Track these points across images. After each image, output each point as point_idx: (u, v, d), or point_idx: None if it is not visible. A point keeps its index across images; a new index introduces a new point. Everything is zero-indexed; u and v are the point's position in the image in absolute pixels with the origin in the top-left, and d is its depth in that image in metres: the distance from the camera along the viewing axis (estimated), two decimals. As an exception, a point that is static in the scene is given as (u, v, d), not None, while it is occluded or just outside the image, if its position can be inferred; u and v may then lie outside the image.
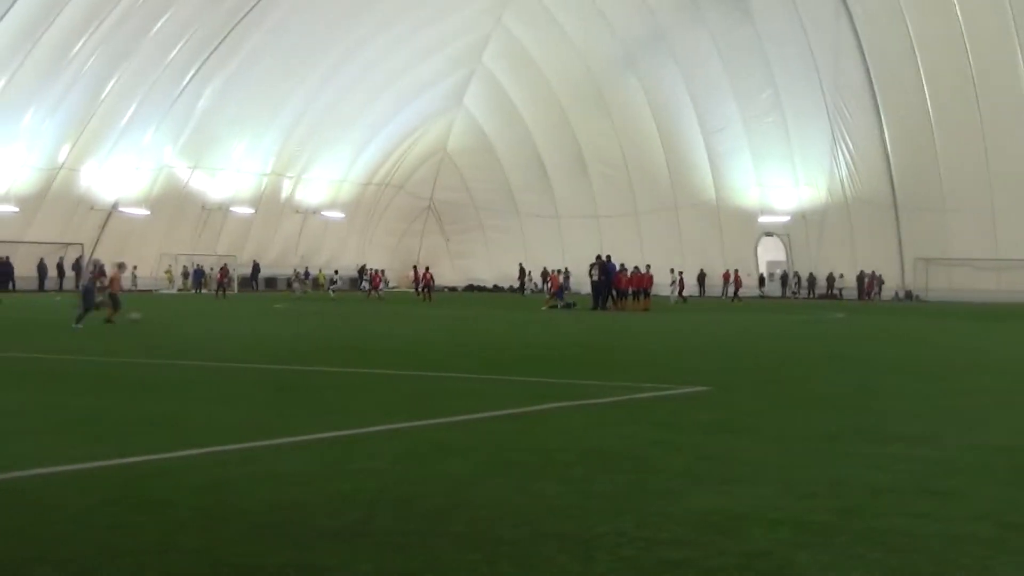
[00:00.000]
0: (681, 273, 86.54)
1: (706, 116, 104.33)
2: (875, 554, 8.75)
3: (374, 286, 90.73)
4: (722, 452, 13.72)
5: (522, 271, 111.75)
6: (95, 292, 38.74)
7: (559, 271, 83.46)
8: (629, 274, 70.26)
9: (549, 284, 79.68)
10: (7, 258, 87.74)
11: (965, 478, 12.18)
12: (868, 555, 8.72)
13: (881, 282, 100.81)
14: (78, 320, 37.69)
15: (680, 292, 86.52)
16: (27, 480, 11.43)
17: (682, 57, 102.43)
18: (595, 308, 65.97)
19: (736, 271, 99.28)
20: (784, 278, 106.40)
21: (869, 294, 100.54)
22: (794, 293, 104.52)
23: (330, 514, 9.87)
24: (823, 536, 9.30)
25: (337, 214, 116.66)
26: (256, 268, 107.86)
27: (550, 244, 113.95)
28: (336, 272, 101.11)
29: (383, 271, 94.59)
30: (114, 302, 41.50)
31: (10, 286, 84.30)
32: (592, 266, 69.31)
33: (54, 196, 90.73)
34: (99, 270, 42.51)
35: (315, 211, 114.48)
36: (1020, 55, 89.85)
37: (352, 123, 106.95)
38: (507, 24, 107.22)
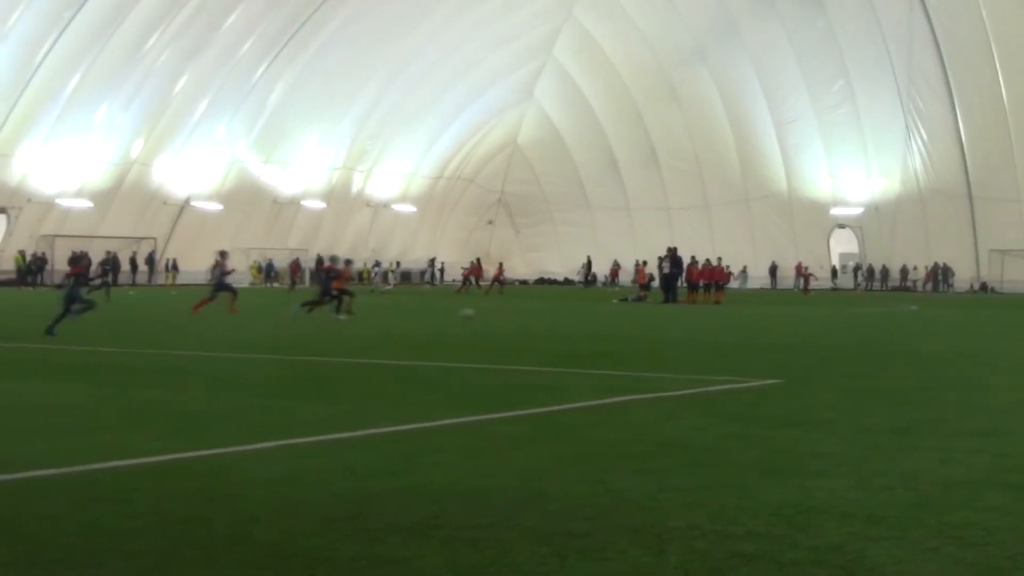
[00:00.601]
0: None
1: (777, 107, 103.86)
2: (949, 548, 8.69)
3: (474, 277, 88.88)
4: (794, 445, 13.66)
5: (589, 264, 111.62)
6: (82, 289, 36.83)
7: (645, 263, 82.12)
8: (700, 267, 70.08)
9: (635, 277, 78.46)
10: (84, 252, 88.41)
11: (1043, 472, 12.08)
12: (942, 549, 8.66)
13: (951, 274, 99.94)
14: (55, 322, 32.36)
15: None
16: (102, 472, 11.56)
17: (753, 48, 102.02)
18: (666, 301, 65.83)
19: (804, 266, 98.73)
20: (857, 270, 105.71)
21: (936, 285, 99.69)
22: (865, 285, 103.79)
23: (401, 507, 9.90)
24: (896, 530, 9.25)
25: (408, 207, 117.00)
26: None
27: (621, 237, 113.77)
28: (377, 264, 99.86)
29: (477, 260, 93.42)
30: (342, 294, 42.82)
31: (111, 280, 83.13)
32: (662, 259, 69.13)
33: (127, 191, 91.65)
34: (111, 261, 43.00)
35: (386, 204, 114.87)
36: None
37: (422, 116, 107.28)
38: (578, 16, 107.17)
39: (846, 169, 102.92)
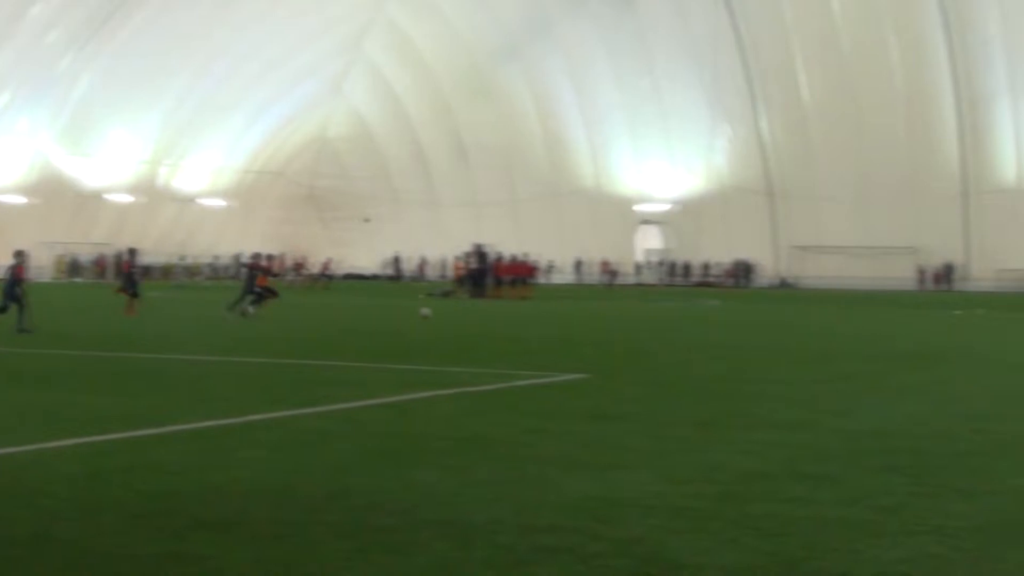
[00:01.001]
0: None
1: (587, 104, 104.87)
2: (748, 539, 8.87)
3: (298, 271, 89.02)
4: (599, 439, 13.82)
5: (397, 259, 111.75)
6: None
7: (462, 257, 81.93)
8: (507, 262, 70.47)
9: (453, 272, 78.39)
10: None
11: (836, 463, 12.38)
12: (741, 540, 8.84)
13: (753, 269, 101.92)
14: None
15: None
16: None
17: (564, 46, 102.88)
18: (473, 296, 66.03)
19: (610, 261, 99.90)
20: (661, 265, 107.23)
21: (738, 281, 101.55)
22: (668, 281, 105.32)
23: (207, 504, 9.82)
24: (697, 521, 9.42)
25: (217, 201, 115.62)
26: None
27: (429, 232, 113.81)
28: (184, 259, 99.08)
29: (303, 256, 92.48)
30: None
31: None
32: (469, 254, 69.38)
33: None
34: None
35: (193, 198, 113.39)
36: (894, 48, 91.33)
37: (231, 110, 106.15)
38: (389, 12, 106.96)
39: (653, 166, 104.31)
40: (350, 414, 15.90)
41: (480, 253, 68.30)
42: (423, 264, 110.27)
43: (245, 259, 43.32)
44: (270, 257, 43.68)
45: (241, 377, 20.90)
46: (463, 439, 13.62)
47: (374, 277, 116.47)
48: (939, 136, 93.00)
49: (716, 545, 8.69)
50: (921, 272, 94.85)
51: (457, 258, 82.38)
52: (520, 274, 70.11)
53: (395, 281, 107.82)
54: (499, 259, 70.21)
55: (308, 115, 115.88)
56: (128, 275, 41.93)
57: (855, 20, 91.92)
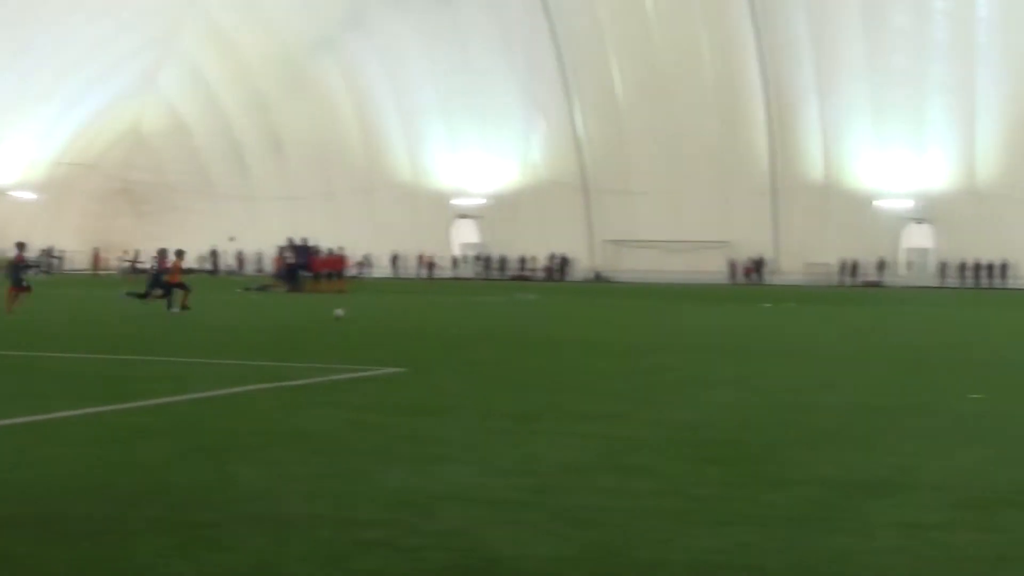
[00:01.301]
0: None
1: (403, 98, 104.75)
2: (566, 530, 8.98)
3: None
4: (418, 432, 13.86)
5: (215, 253, 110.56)
6: None
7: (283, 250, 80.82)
8: (323, 256, 70.15)
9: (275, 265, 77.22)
10: None
11: (651, 454, 12.58)
12: (559, 531, 8.95)
13: (569, 263, 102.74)
14: None
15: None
16: None
17: (381, 40, 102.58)
18: (290, 291, 65.59)
19: (428, 255, 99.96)
20: (478, 260, 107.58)
21: (554, 274, 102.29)
22: (484, 274, 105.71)
23: (18, 501, 9.64)
24: (515, 513, 9.50)
25: (27, 194, 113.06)
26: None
27: (247, 226, 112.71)
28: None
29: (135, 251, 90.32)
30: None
31: None
32: (284, 248, 68.89)
33: None
34: None
35: (4, 191, 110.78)
36: (706, 46, 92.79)
37: (42, 101, 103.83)
38: (204, 4, 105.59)
39: (470, 161, 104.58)
40: (167, 409, 15.72)
41: (296, 247, 67.85)
42: (241, 258, 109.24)
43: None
44: (179, 253, 42.59)
45: (51, 373, 20.50)
46: (282, 433, 13.56)
47: (189, 271, 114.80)
48: (749, 132, 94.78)
49: (534, 537, 8.78)
50: (732, 266, 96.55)
51: (281, 251, 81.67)
52: (336, 268, 69.82)
53: (212, 275, 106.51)
54: (315, 253, 69.83)
55: (122, 107, 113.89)
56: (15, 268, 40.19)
57: (667, 17, 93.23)
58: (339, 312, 37.52)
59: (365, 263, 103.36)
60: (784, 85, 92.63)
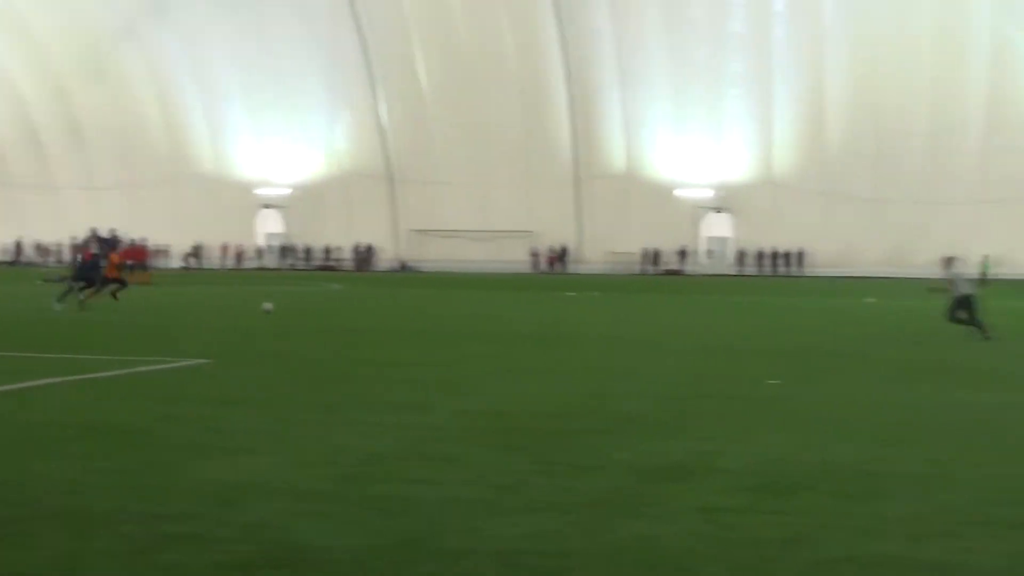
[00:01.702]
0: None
1: (206, 87, 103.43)
2: (372, 520, 9.02)
3: None
4: (224, 424, 13.76)
5: (19, 244, 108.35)
6: None
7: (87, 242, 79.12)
8: (125, 247, 69.01)
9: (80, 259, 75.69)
10: None
11: (457, 443, 12.66)
12: (365, 521, 8.98)
13: (375, 253, 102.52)
14: None
15: None
16: None
17: (184, 28, 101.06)
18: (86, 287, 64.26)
19: (233, 245, 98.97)
20: (283, 250, 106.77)
21: (360, 264, 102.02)
22: (290, 265, 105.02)
23: None
24: (322, 504, 9.51)
25: None
26: None
27: (46, 216, 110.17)
28: None
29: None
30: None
31: None
32: (86, 240, 67.63)
33: None
34: None
35: None
36: (509, 36, 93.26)
37: None
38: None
39: (273, 150, 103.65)
40: (-38, 405, 15.36)
41: (100, 239, 66.62)
42: (41, 249, 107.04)
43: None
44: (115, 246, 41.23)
45: None
46: (86, 427, 13.35)
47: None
48: (553, 123, 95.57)
49: (340, 527, 8.80)
50: (535, 255, 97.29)
51: (85, 244, 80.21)
52: (138, 259, 68.73)
53: (12, 266, 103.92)
54: (115, 245, 68.65)
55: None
56: None
57: (471, 8, 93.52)
58: (267, 306, 36.89)
59: (165, 254, 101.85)
60: (587, 76, 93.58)
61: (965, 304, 28.49)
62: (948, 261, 29.67)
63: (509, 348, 25.33)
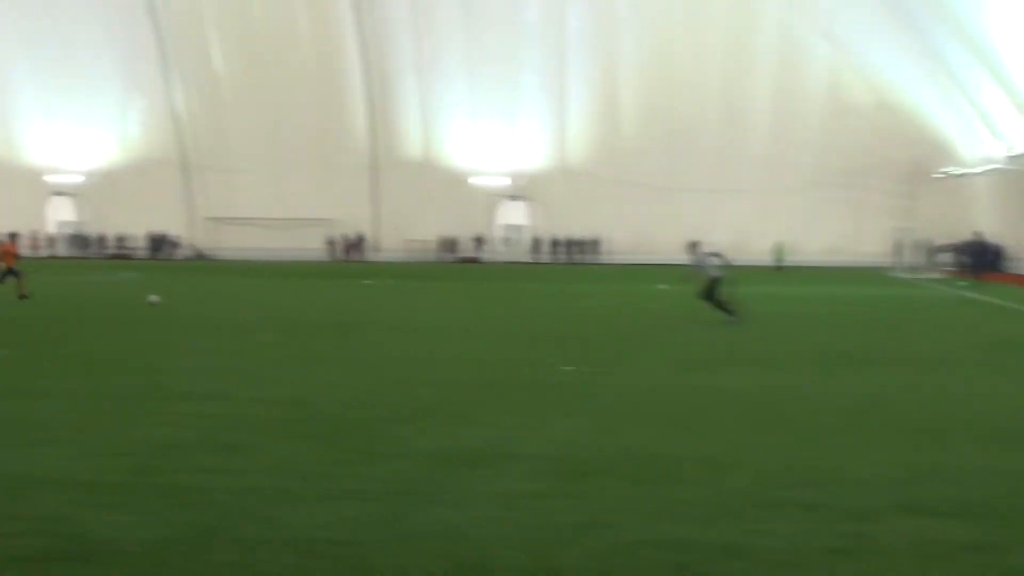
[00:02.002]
0: None
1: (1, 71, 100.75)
2: (167, 511, 8.95)
3: None
4: (16, 416, 13.50)
5: None
6: None
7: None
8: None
9: None
10: None
11: (253, 432, 12.61)
12: (160, 512, 8.91)
13: (171, 241, 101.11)
14: None
15: None
16: None
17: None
18: None
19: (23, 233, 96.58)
20: (76, 238, 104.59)
21: (155, 252, 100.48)
22: (83, 253, 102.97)
23: None
24: (115, 496, 9.41)
25: None
26: None
27: None
28: None
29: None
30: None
31: None
32: None
33: None
34: None
35: None
36: (305, 22, 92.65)
37: None
38: None
39: (64, 137, 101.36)
40: None
41: None
42: None
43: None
44: (12, 236, 39.41)
45: None
46: None
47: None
48: (349, 110, 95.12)
49: (135, 519, 8.72)
50: (332, 243, 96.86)
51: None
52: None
53: None
54: None
55: None
56: None
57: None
58: (153, 299, 35.87)
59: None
60: (383, 63, 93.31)
61: (713, 286, 29.59)
62: (693, 246, 30.91)
63: (306, 336, 25.20)
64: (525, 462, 11.23)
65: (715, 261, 30.17)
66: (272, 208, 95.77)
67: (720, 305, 29.22)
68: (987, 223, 66.20)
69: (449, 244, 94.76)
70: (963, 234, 65.08)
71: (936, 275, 64.13)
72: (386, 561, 7.92)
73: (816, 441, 12.66)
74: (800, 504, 9.62)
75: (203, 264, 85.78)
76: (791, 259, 74.85)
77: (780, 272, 68.85)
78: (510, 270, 73.00)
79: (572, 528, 8.77)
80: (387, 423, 13.48)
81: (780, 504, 9.63)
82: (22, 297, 37.37)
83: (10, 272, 38.27)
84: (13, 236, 41.23)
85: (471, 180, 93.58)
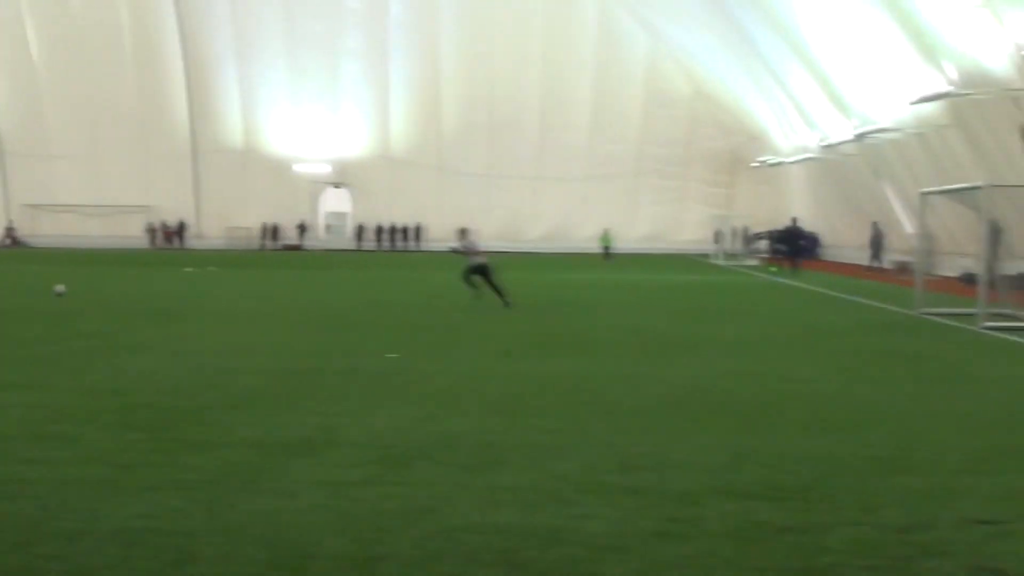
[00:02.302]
0: None
1: None
2: (-14, 503, 8.80)
3: None
4: None
5: None
6: None
7: None
8: None
9: None
10: None
11: (73, 422, 12.43)
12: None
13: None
14: None
15: None
16: None
17: None
18: None
19: None
20: None
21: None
22: None
23: None
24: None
25: None
26: None
27: None
28: None
29: None
30: None
31: None
32: None
33: None
34: None
35: None
36: (124, 7, 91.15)
37: None
38: None
39: None
40: None
41: None
42: None
43: None
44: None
45: None
46: None
47: None
48: (169, 95, 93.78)
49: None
50: (152, 230, 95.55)
51: None
52: None
53: None
54: None
55: None
56: None
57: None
58: (59, 288, 34.65)
59: None
60: (203, 49, 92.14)
61: (481, 271, 31.01)
62: (462, 232, 32.64)
63: (126, 324, 24.84)
64: (349, 449, 11.24)
65: (481, 247, 31.75)
66: (91, 195, 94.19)
67: (497, 290, 30.38)
68: (802, 211, 67.62)
69: (271, 231, 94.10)
70: (780, 222, 66.37)
71: (753, 262, 65.34)
72: (210, 551, 7.88)
73: (638, 426, 12.84)
74: (623, 489, 9.77)
75: (18, 252, 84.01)
76: (614, 247, 75.66)
77: (608, 259, 69.56)
78: (333, 257, 72.74)
79: (396, 515, 8.80)
80: (210, 411, 13.38)
81: (604, 489, 9.77)
82: None
83: None
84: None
85: (294, 167, 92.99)
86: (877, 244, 57.54)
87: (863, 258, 58.91)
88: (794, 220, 59.58)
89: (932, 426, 13.04)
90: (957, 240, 45.41)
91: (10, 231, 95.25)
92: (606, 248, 73.21)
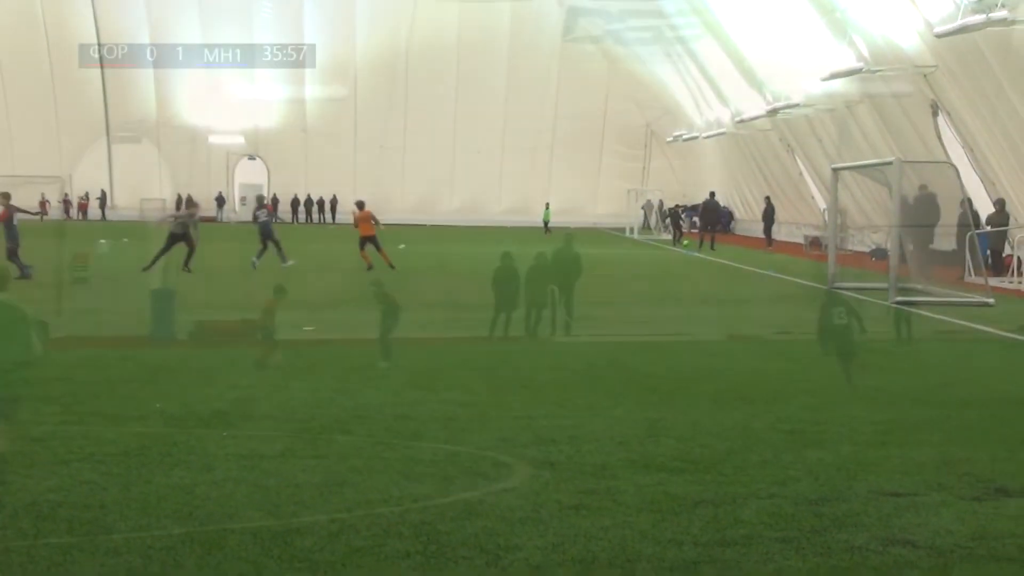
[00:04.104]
0: None
1: None
2: None
3: None
4: None
5: None
6: None
7: None
8: None
9: None
10: None
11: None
12: None
13: None
14: None
15: None
16: None
17: None
18: None
19: None
20: None
21: None
22: None
23: None
24: None
25: None
26: None
27: None
28: None
29: None
30: None
31: None
32: None
33: None
34: None
35: None
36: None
37: None
38: None
39: None
40: None
41: None
42: None
43: None
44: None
45: None
46: None
47: None
48: (81, 68, 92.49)
49: None
50: (66, 202, 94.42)
51: None
52: None
53: None
54: None
55: None
56: None
57: None
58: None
59: None
60: (115, 19, 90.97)
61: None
62: (259, 200, 34.61)
63: (36, 293, 24.52)
64: (266, 422, 11.23)
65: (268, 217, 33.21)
66: (4, 167, 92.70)
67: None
68: (716, 186, 67.83)
69: (186, 203, 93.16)
70: (695, 196, 66.59)
71: (667, 236, 65.50)
72: (124, 523, 7.84)
73: (554, 400, 12.90)
74: (539, 462, 9.81)
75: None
76: (525, 220, 75.51)
77: (547, 233, 69.10)
78: (248, 230, 72.12)
79: (313, 488, 8.81)
80: (126, 384, 13.30)
81: (518, 460, 9.81)
82: None
83: None
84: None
85: (209, 139, 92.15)
86: (769, 218, 57.95)
87: (778, 233, 59.17)
88: (712, 195, 59.73)
89: (843, 400, 13.19)
90: (868, 215, 45.81)
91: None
92: (545, 222, 72.74)
